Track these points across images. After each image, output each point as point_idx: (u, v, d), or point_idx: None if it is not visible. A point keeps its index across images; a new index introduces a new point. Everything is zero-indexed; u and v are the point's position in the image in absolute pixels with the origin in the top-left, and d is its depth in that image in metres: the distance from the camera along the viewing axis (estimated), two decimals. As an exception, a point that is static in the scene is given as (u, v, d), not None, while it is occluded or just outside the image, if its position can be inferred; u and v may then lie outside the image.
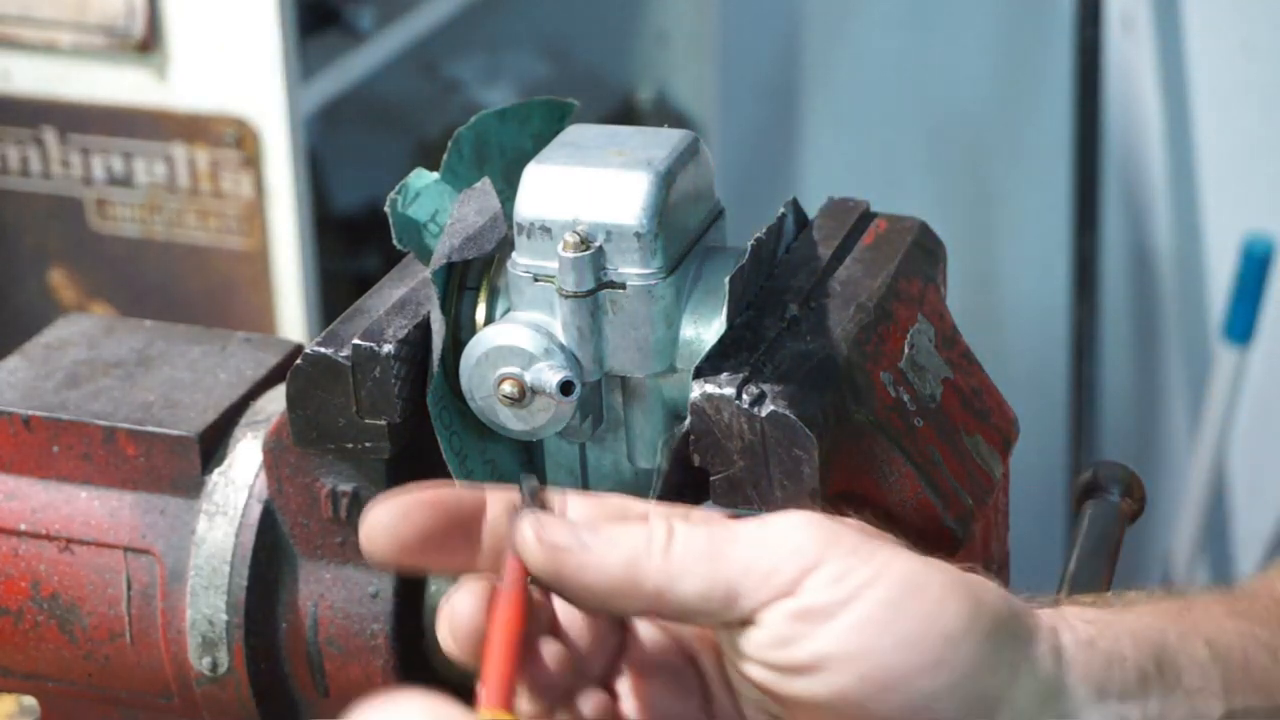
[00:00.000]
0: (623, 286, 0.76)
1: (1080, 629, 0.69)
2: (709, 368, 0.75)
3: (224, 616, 0.85)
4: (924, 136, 2.76)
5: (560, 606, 0.71)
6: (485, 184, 0.80)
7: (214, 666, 0.85)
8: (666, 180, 0.77)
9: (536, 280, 0.77)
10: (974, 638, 0.67)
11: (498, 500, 0.71)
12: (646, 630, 0.72)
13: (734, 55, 2.78)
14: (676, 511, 0.71)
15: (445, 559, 0.70)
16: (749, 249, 0.79)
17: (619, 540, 0.68)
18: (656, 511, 0.71)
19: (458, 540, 0.70)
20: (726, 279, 0.76)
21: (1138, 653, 0.69)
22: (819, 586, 0.66)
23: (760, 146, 2.84)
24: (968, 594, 0.67)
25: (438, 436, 0.79)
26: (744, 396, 0.74)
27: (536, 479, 0.72)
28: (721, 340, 0.77)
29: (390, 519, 0.69)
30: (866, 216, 0.87)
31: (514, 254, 0.78)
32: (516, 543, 0.69)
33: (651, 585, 0.68)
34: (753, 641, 0.67)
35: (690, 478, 0.75)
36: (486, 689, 0.65)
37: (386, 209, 0.80)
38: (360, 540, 0.70)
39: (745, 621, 0.67)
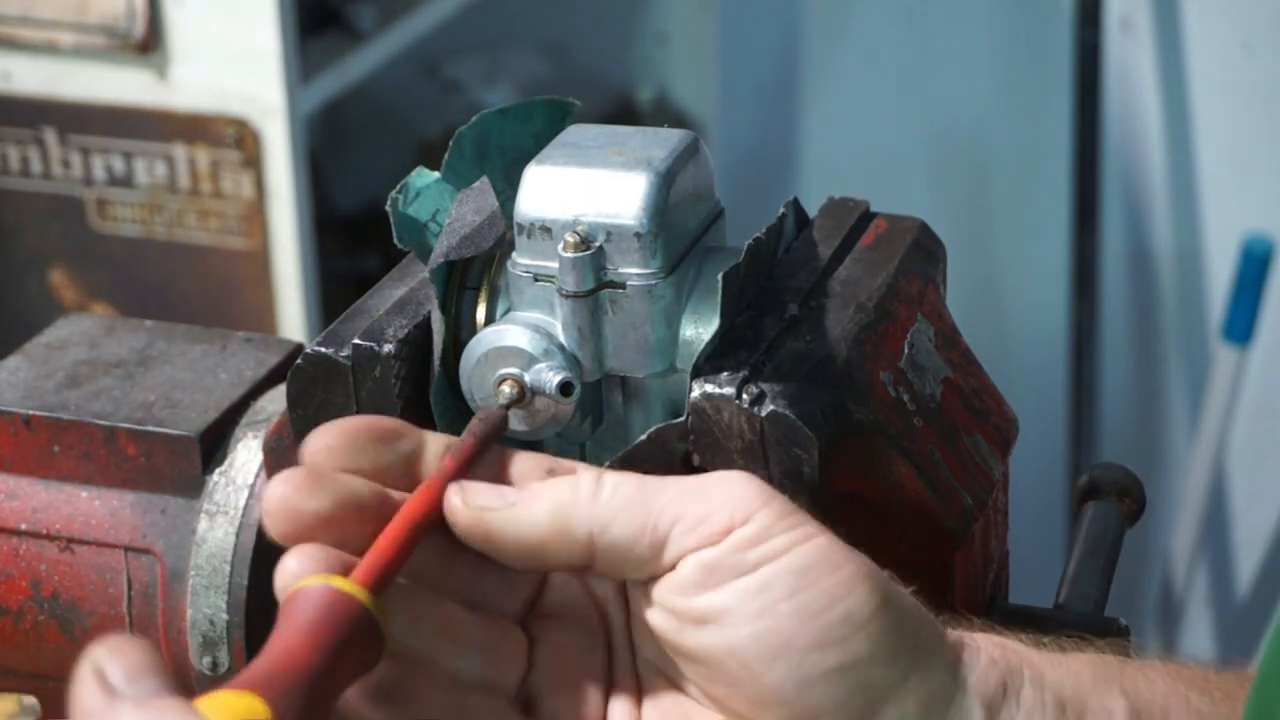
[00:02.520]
0: (623, 286, 0.76)
1: (987, 650, 0.70)
2: (708, 367, 0.75)
3: (225, 616, 0.85)
4: (924, 136, 2.77)
5: None
6: (483, 183, 0.80)
7: (214, 666, 0.85)
8: (666, 180, 0.77)
9: (537, 280, 0.77)
10: (874, 627, 0.67)
11: (436, 440, 0.72)
12: (560, 580, 0.73)
13: (734, 55, 2.78)
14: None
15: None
16: (746, 248, 0.79)
17: (543, 493, 0.69)
18: (584, 466, 0.71)
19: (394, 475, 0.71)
20: (720, 274, 0.76)
21: (1039, 684, 0.69)
22: (741, 542, 0.67)
23: (760, 146, 2.85)
24: (879, 586, 0.68)
25: (438, 436, 0.79)
26: (744, 396, 0.74)
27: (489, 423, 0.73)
28: (721, 340, 0.77)
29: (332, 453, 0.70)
30: (866, 216, 0.87)
31: (514, 254, 0.78)
32: (446, 510, 0.70)
33: (582, 532, 0.68)
34: (663, 585, 0.68)
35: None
36: (361, 564, 0.66)
37: (387, 208, 0.80)
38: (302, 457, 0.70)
39: (666, 569, 0.68)
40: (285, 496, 0.68)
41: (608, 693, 0.72)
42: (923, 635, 0.69)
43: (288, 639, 0.62)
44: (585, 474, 0.70)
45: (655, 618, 0.70)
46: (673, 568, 0.68)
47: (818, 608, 0.67)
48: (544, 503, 0.69)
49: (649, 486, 0.69)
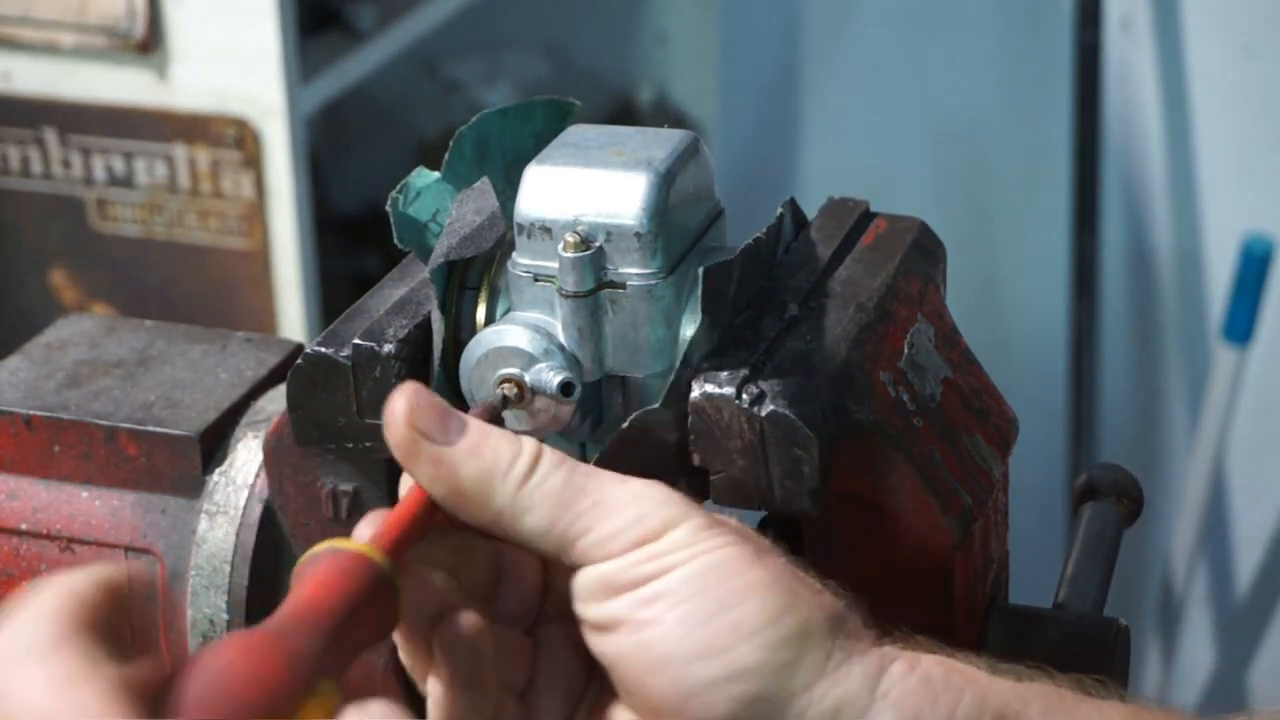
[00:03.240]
0: (623, 286, 0.76)
1: (924, 667, 0.69)
2: (708, 367, 0.75)
3: (225, 616, 0.85)
4: (924, 136, 2.77)
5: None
6: (484, 183, 0.80)
7: (214, 666, 0.85)
8: (666, 180, 0.77)
9: (537, 280, 0.77)
10: (766, 637, 0.67)
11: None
12: (561, 586, 0.73)
13: (734, 55, 2.78)
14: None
15: None
16: (743, 247, 0.79)
17: (482, 452, 0.69)
18: (530, 442, 0.70)
19: None
20: (700, 268, 0.76)
21: (977, 706, 0.68)
22: (640, 557, 0.68)
23: (760, 146, 2.85)
24: (781, 595, 0.67)
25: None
26: (744, 396, 0.74)
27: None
28: (720, 340, 0.77)
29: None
30: (866, 216, 0.87)
31: (514, 254, 0.78)
32: (385, 414, 0.69)
33: (495, 508, 0.69)
34: (574, 586, 0.69)
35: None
36: (374, 533, 0.66)
37: (388, 208, 0.80)
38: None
39: (568, 570, 0.69)
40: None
41: (583, 694, 0.72)
42: (835, 646, 0.68)
43: (305, 594, 0.63)
44: (525, 453, 0.69)
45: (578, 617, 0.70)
46: (574, 570, 0.69)
47: (703, 617, 0.67)
48: (477, 464, 0.69)
49: (572, 487, 0.69)
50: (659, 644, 0.67)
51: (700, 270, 0.76)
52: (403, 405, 0.69)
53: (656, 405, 0.75)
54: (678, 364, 0.76)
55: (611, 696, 0.71)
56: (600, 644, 0.69)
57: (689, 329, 0.78)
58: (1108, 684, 0.72)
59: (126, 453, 0.87)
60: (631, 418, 0.75)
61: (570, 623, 0.72)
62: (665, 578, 0.67)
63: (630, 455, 0.74)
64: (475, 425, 0.70)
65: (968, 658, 0.71)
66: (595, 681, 0.73)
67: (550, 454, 0.70)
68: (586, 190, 0.76)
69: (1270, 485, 2.68)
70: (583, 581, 0.69)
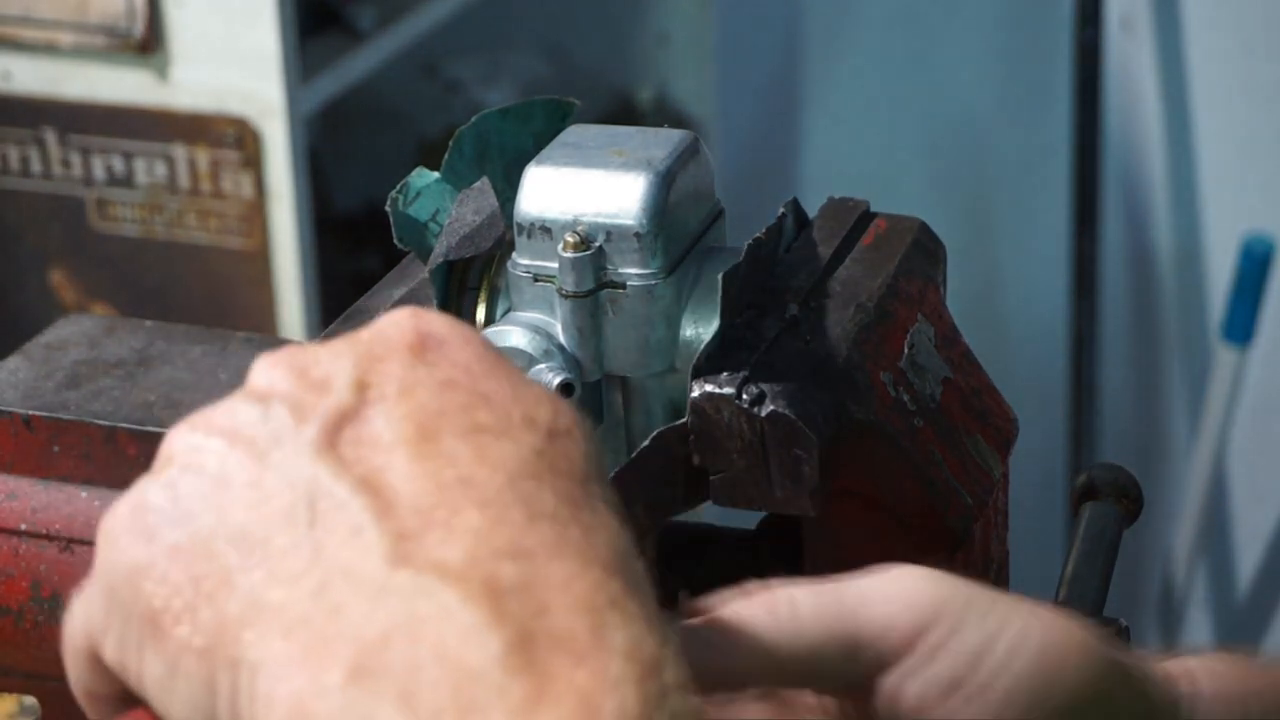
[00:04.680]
0: (623, 286, 0.76)
1: (1203, 681, 0.68)
2: (708, 367, 0.75)
3: (224, 616, 0.85)
4: (924, 136, 2.77)
5: None
6: (484, 184, 0.80)
7: (214, 666, 0.85)
8: (666, 180, 0.77)
9: (537, 280, 0.77)
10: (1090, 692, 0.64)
11: None
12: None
13: (734, 55, 2.78)
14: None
15: None
16: (746, 248, 0.79)
17: (743, 616, 0.63)
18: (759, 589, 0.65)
19: None
20: (720, 275, 0.76)
21: (1264, 707, 0.68)
22: (953, 649, 0.63)
23: (760, 146, 2.85)
24: (1094, 653, 0.65)
25: (438, 436, 0.78)
26: (744, 396, 0.74)
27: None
28: (721, 339, 0.77)
29: None
30: (866, 216, 0.87)
31: (514, 254, 0.78)
32: None
33: (773, 655, 0.63)
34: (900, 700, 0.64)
35: (682, 477, 0.75)
36: None
37: (387, 208, 0.80)
38: None
39: (867, 680, 0.63)
40: None
41: None
42: (1146, 685, 0.66)
43: None
44: (776, 594, 0.64)
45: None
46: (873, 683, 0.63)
47: (1055, 706, 0.63)
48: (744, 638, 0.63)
49: (826, 598, 0.64)
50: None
51: (720, 276, 0.76)
52: None
53: (681, 421, 0.74)
54: (689, 369, 0.75)
55: None
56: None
57: (689, 329, 0.78)
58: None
59: (126, 453, 0.87)
60: (653, 435, 0.75)
61: None
62: (1004, 674, 0.63)
63: (650, 468, 0.74)
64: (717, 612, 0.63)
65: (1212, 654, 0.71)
66: None
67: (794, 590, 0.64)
68: (586, 190, 0.76)
69: (1270, 485, 2.68)
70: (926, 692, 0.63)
